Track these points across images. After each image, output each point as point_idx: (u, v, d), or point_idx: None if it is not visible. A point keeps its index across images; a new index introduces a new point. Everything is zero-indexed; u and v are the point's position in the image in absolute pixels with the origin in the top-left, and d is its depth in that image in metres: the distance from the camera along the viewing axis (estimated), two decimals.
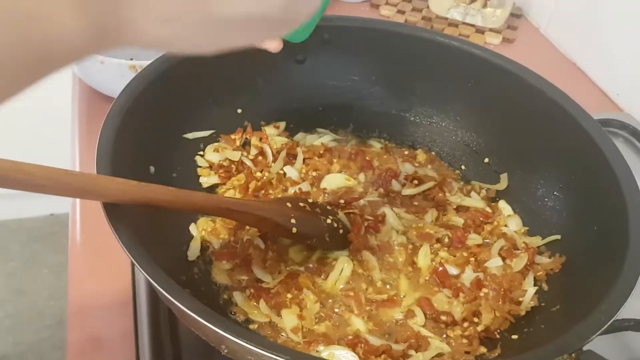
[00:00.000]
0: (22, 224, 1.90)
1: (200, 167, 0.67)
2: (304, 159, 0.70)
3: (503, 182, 0.69)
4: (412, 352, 0.53)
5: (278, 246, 0.60)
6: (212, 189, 0.66)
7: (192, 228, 0.61)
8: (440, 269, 0.60)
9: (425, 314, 0.57)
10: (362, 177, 0.69)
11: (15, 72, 0.26)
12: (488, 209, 0.67)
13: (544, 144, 0.66)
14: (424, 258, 0.61)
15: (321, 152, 0.71)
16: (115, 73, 0.74)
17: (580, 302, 0.53)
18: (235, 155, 0.68)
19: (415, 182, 0.69)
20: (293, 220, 0.57)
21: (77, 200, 0.70)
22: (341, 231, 0.61)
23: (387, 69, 0.75)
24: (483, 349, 0.55)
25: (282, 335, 0.54)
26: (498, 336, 0.56)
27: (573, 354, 0.45)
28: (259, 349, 0.39)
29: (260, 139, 0.70)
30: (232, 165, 0.67)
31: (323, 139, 0.74)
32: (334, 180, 0.68)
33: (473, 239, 0.63)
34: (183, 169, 0.65)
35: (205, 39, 0.31)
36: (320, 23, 0.73)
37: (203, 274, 0.58)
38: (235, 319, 0.55)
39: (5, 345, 1.62)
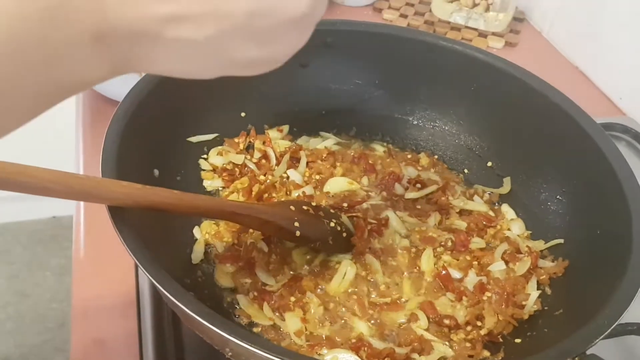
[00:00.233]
0: (25, 226, 1.90)
1: (204, 170, 0.67)
2: (307, 163, 0.70)
3: (506, 186, 0.69)
4: (415, 355, 0.53)
5: (282, 249, 0.61)
6: (216, 192, 0.67)
7: (196, 231, 0.61)
8: (444, 272, 0.60)
9: (428, 318, 0.57)
10: (365, 180, 0.70)
11: (35, 101, 0.28)
12: (491, 213, 0.67)
13: (547, 148, 0.67)
14: (427, 261, 0.61)
15: (324, 155, 0.71)
16: (119, 76, 0.74)
17: (583, 306, 0.53)
18: (239, 159, 0.68)
19: (418, 185, 0.69)
20: (297, 224, 0.57)
21: (81, 203, 0.71)
22: (344, 234, 0.62)
23: (390, 73, 0.75)
24: (486, 353, 0.55)
25: (286, 339, 0.54)
26: (501, 340, 0.56)
27: (576, 358, 0.45)
28: (264, 352, 0.39)
29: (264, 143, 0.71)
30: (236, 169, 0.68)
31: (326, 142, 0.74)
32: (337, 184, 0.68)
33: (476, 242, 0.63)
34: (187, 172, 0.65)
35: (214, 72, 0.33)
36: (324, 27, 0.73)
37: (207, 277, 0.58)
38: (238, 322, 0.55)
39: (7, 347, 1.62)
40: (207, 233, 0.61)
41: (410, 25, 1.07)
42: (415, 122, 0.76)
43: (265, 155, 0.70)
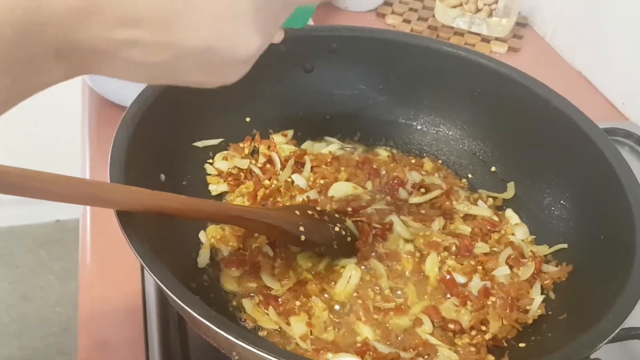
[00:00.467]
0: (28, 230, 1.91)
1: (209, 174, 0.67)
2: (311, 167, 0.70)
3: (510, 191, 0.70)
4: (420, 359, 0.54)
5: (287, 254, 0.61)
6: (221, 196, 0.67)
7: (202, 235, 0.62)
8: (448, 277, 0.60)
9: (433, 322, 0.57)
10: (369, 185, 0.70)
11: None
12: (495, 218, 0.67)
13: (550, 153, 0.67)
14: (431, 266, 0.61)
15: (329, 160, 0.72)
16: (126, 82, 0.75)
17: (587, 310, 0.53)
18: (244, 163, 0.69)
19: (422, 190, 0.70)
20: (302, 228, 0.58)
21: (87, 207, 0.71)
22: (349, 239, 0.62)
23: (394, 78, 0.75)
24: (491, 357, 0.55)
25: (291, 343, 0.54)
26: (505, 344, 0.56)
27: None
28: (271, 355, 0.39)
29: (269, 147, 0.71)
30: (241, 173, 0.68)
31: (330, 147, 0.74)
32: (342, 188, 0.69)
33: (480, 247, 0.64)
34: (193, 176, 0.65)
35: (166, 83, 0.35)
36: (328, 33, 0.74)
37: (212, 281, 0.59)
38: (244, 326, 0.56)
39: (10, 351, 1.63)
40: (212, 237, 0.62)
41: (414, 30, 1.07)
42: (419, 127, 0.77)
43: (270, 160, 0.70)
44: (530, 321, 0.57)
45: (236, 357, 0.45)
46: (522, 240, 0.65)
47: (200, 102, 0.65)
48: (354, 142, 0.77)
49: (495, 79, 0.70)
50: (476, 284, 0.60)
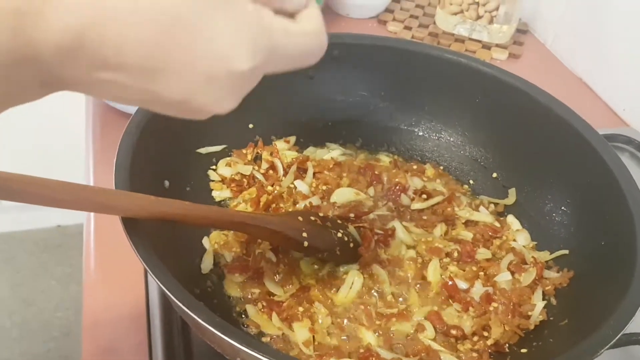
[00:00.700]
0: (30, 235, 1.91)
1: (212, 181, 0.68)
2: (314, 173, 0.71)
3: (511, 197, 0.70)
4: None
5: (289, 259, 0.61)
6: (224, 202, 0.68)
7: (205, 241, 0.62)
8: (450, 283, 0.61)
9: (435, 328, 0.58)
10: (371, 191, 0.70)
11: None
12: (497, 224, 0.68)
13: (551, 159, 0.67)
14: (433, 272, 0.62)
15: (331, 166, 0.72)
16: None
17: (589, 316, 0.53)
18: (247, 170, 0.69)
19: (424, 196, 0.70)
20: (305, 234, 0.58)
21: (92, 213, 0.72)
22: (351, 245, 0.62)
23: (396, 85, 0.76)
24: None
25: (295, 349, 0.55)
26: (507, 350, 0.57)
27: None
28: None
29: (271, 153, 0.72)
30: (244, 179, 0.69)
31: (332, 153, 0.75)
32: (344, 194, 0.69)
33: (482, 253, 0.64)
34: (196, 183, 0.66)
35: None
36: (330, 40, 0.74)
37: (216, 286, 0.59)
38: (247, 331, 0.56)
39: (12, 356, 1.63)
40: (216, 243, 0.62)
41: (415, 37, 1.08)
42: (421, 134, 0.77)
43: (272, 166, 0.71)
44: (532, 327, 0.58)
45: None
46: (524, 246, 0.66)
47: None
48: (356, 148, 0.77)
49: (496, 86, 0.71)
50: (478, 290, 0.61)
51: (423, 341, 0.56)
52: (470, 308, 0.59)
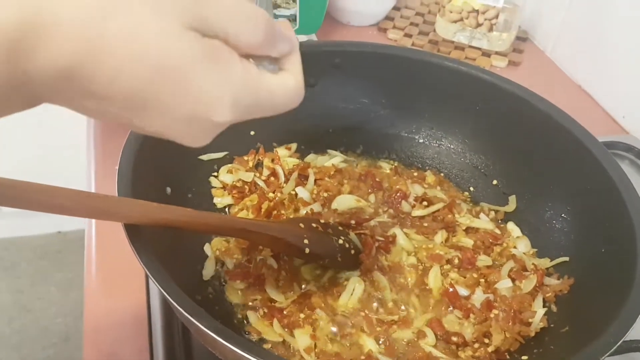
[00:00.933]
0: (30, 241, 1.91)
1: (214, 187, 0.68)
2: (315, 180, 0.71)
3: (511, 204, 0.70)
4: None
5: (291, 266, 0.61)
6: (226, 209, 0.68)
7: (207, 248, 0.62)
8: (451, 290, 0.61)
9: (436, 335, 0.58)
10: (372, 198, 0.71)
11: None
12: (497, 231, 0.68)
13: (551, 167, 0.68)
14: (434, 279, 0.62)
15: (332, 173, 0.72)
16: None
17: (589, 323, 0.53)
18: (248, 176, 0.69)
19: (425, 203, 0.70)
20: (306, 241, 0.58)
21: (92, 219, 0.72)
22: (352, 251, 0.63)
23: (397, 92, 0.76)
24: None
25: (296, 355, 0.55)
26: (508, 357, 0.57)
27: None
28: None
29: (273, 160, 0.72)
30: (245, 186, 0.69)
31: (333, 160, 0.75)
32: (345, 201, 0.69)
33: (483, 260, 0.64)
34: (198, 189, 0.66)
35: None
36: (332, 48, 0.75)
37: (217, 293, 0.59)
38: (249, 338, 0.56)
39: None
40: (217, 250, 0.62)
41: (415, 44, 1.09)
42: (421, 141, 0.77)
43: (274, 173, 0.71)
44: (532, 334, 0.58)
45: None
46: (524, 253, 0.66)
47: None
48: (357, 155, 0.77)
49: (496, 93, 0.71)
50: (479, 297, 0.61)
51: (424, 348, 0.56)
52: (471, 315, 0.59)
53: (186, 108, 0.32)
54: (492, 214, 0.70)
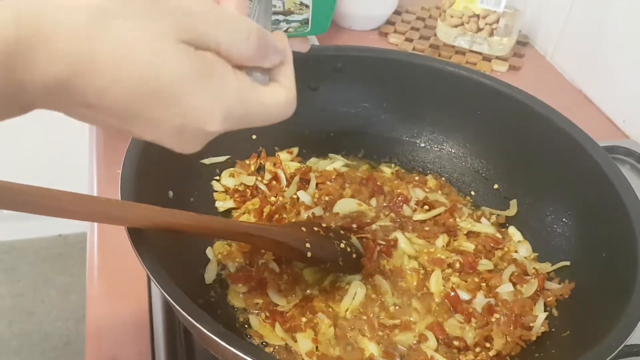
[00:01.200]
0: (31, 244, 1.91)
1: (216, 191, 0.69)
2: (316, 184, 0.71)
3: (512, 208, 0.70)
4: None
5: (292, 270, 0.62)
6: (228, 213, 0.68)
7: (209, 252, 0.62)
8: (452, 294, 0.61)
9: (437, 339, 0.58)
10: (373, 202, 0.71)
11: None
12: (498, 235, 0.68)
13: (552, 171, 0.68)
14: (435, 283, 0.62)
15: (333, 177, 0.72)
16: None
17: (590, 327, 0.53)
18: (250, 180, 0.70)
19: (426, 207, 0.70)
20: (308, 245, 0.58)
21: (95, 222, 0.72)
22: (354, 255, 0.63)
23: (398, 97, 0.77)
24: None
25: (298, 359, 0.55)
26: None
27: None
28: None
29: (275, 164, 0.72)
30: (247, 190, 0.69)
31: (335, 164, 0.75)
32: (346, 205, 0.69)
33: (484, 264, 0.64)
34: (200, 193, 0.66)
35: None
36: (334, 53, 0.76)
37: (219, 297, 0.59)
38: (250, 342, 0.56)
39: None
40: (219, 253, 0.62)
41: (416, 49, 1.09)
42: (423, 145, 0.78)
43: (275, 177, 0.71)
44: (533, 338, 0.58)
45: None
46: (525, 257, 0.66)
47: None
48: (358, 159, 0.78)
49: (497, 98, 0.71)
50: (480, 301, 0.61)
51: (425, 352, 0.57)
52: (473, 319, 0.59)
53: (177, 122, 0.33)
54: (493, 218, 0.71)
